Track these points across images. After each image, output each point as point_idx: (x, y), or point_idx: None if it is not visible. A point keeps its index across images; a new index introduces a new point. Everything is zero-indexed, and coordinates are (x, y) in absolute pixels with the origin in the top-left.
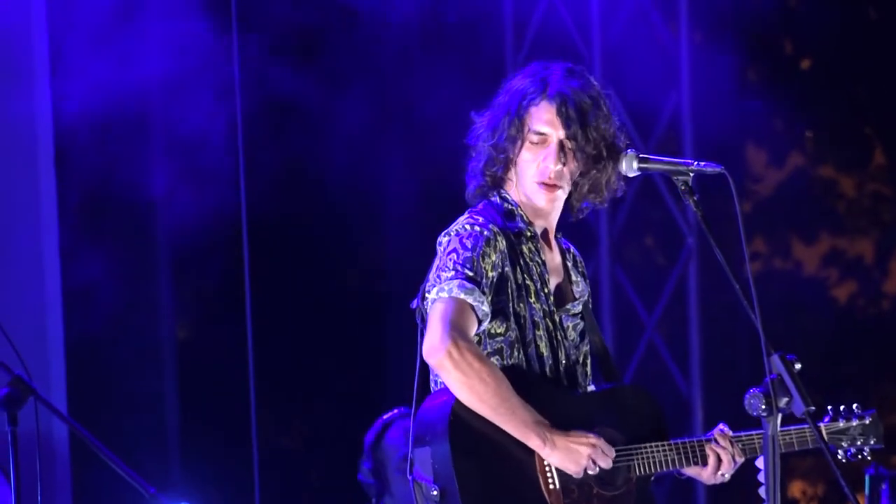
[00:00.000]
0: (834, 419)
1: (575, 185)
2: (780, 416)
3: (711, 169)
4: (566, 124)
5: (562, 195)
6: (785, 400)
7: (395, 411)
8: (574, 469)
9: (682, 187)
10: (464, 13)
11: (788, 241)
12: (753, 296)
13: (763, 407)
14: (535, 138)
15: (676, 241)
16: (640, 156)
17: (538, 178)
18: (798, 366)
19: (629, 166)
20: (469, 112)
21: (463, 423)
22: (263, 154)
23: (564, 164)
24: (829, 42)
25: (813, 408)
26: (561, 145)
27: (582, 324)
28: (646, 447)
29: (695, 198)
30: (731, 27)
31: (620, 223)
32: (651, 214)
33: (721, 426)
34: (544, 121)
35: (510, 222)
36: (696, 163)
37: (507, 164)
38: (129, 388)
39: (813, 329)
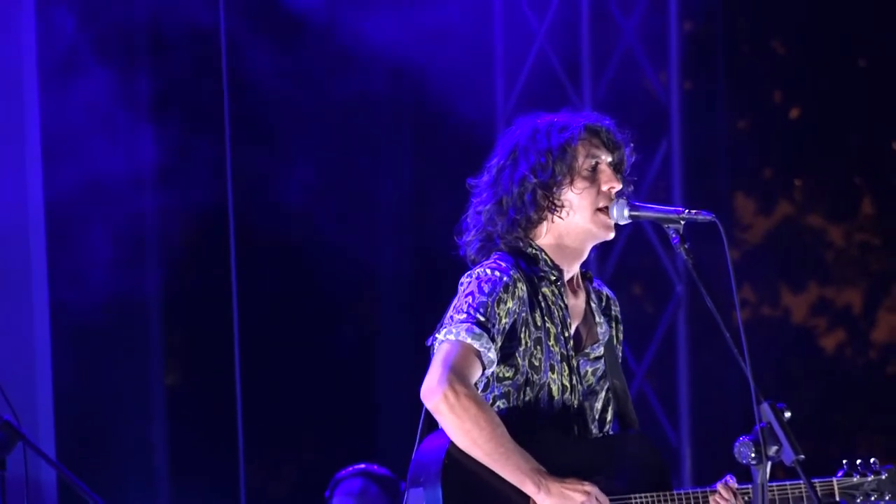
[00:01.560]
0: (848, 474)
1: None
2: (769, 464)
3: (703, 217)
4: (614, 148)
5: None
6: (774, 448)
7: (350, 468)
8: None
9: (674, 235)
10: (453, 61)
11: (777, 289)
12: (744, 344)
13: (752, 455)
14: (588, 165)
15: (665, 289)
16: (632, 203)
17: (603, 201)
18: (788, 414)
19: (620, 214)
20: (461, 166)
21: (457, 466)
22: (254, 205)
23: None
24: (818, 91)
25: (802, 456)
26: (613, 169)
27: (602, 367)
28: (645, 497)
29: (686, 246)
30: (722, 76)
31: (609, 271)
32: (639, 262)
33: (727, 477)
34: (599, 146)
35: (534, 266)
36: (687, 211)
37: (555, 200)
38: (118, 433)
39: (800, 377)
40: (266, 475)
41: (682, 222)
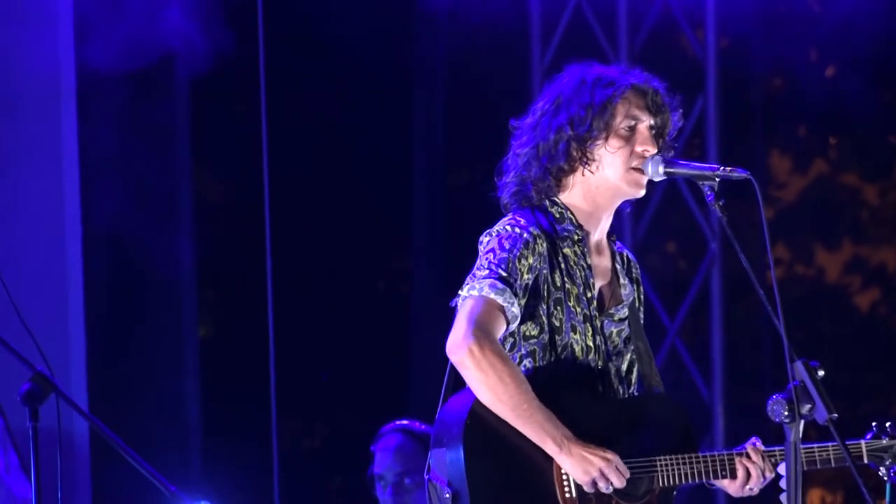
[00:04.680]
0: (877, 436)
1: None
2: (802, 422)
3: (738, 175)
4: (659, 111)
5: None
6: (808, 407)
7: (393, 424)
8: (584, 479)
9: (709, 192)
10: (489, 18)
11: (811, 247)
12: (778, 302)
13: (786, 413)
14: (627, 124)
15: (699, 247)
16: (667, 160)
17: (636, 161)
18: (821, 373)
19: (655, 171)
20: (496, 114)
21: (480, 426)
22: (289, 150)
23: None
24: (854, 49)
25: (836, 415)
26: (651, 132)
27: (627, 329)
28: (670, 459)
29: (720, 203)
30: (758, 33)
31: (643, 228)
32: (674, 220)
33: (754, 439)
34: (640, 107)
35: (558, 225)
36: (722, 168)
37: (588, 153)
38: (151, 386)
39: (834, 336)
40: (299, 429)
41: (717, 179)
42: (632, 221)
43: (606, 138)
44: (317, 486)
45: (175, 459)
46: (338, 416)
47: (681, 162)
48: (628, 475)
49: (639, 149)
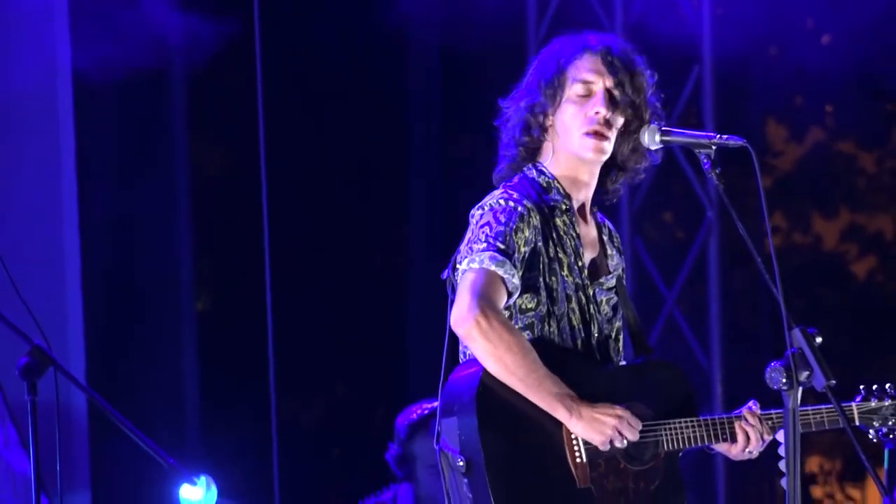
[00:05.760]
0: (866, 398)
1: (616, 148)
2: (800, 389)
3: (734, 142)
4: (612, 72)
5: (608, 148)
6: (805, 374)
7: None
8: (599, 440)
9: (706, 160)
10: None
11: (808, 215)
12: (776, 270)
13: (784, 381)
14: (580, 89)
15: (696, 215)
16: (662, 128)
17: (587, 126)
18: (819, 340)
19: (651, 139)
20: (490, 83)
21: (491, 394)
22: (285, 123)
23: (613, 112)
24: (849, 18)
25: (833, 381)
26: (608, 94)
27: (615, 298)
28: (674, 423)
29: (717, 171)
30: (753, 2)
31: (640, 197)
32: (671, 188)
33: (751, 403)
34: (589, 70)
35: (545, 195)
36: (718, 136)
37: (545, 124)
38: (149, 359)
39: (831, 303)
40: (298, 404)
41: (714, 147)
42: (629, 191)
43: (558, 105)
44: (315, 459)
45: (173, 433)
46: (336, 390)
47: (677, 130)
48: (640, 427)
49: (590, 112)
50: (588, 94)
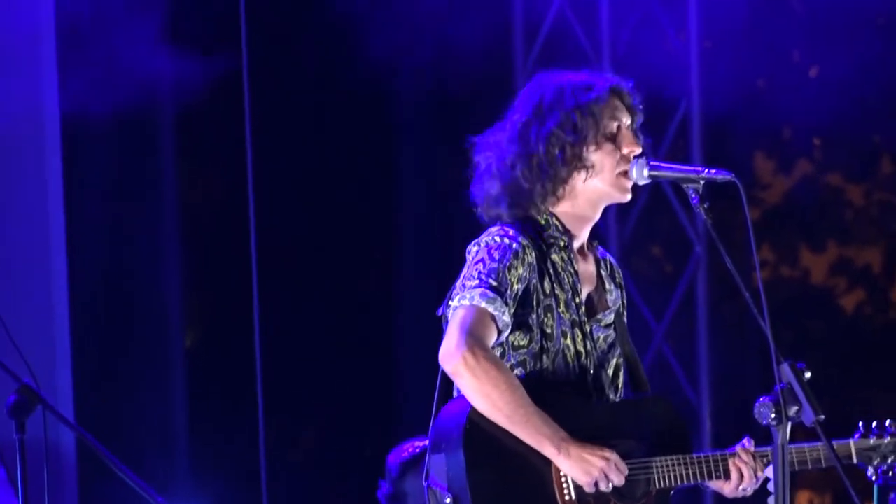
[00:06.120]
0: (864, 435)
1: None
2: (789, 425)
3: (722, 177)
4: (634, 111)
5: None
6: (795, 409)
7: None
8: (585, 480)
9: (694, 195)
10: (473, 21)
11: (796, 249)
12: (764, 304)
13: (773, 416)
14: (612, 128)
15: (684, 250)
16: (651, 163)
17: (623, 165)
18: (808, 374)
19: (640, 174)
20: (478, 115)
21: (479, 431)
22: (273, 158)
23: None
24: (837, 49)
25: (823, 417)
26: (633, 132)
27: (613, 334)
28: (666, 460)
29: (705, 205)
30: (741, 34)
31: (628, 232)
32: (659, 223)
33: (745, 440)
34: (619, 108)
35: (544, 232)
36: (706, 170)
37: (579, 163)
38: (137, 395)
39: (820, 337)
40: (286, 438)
41: (702, 182)
42: (617, 225)
43: (597, 142)
44: (305, 493)
45: (163, 468)
46: (325, 422)
47: (665, 165)
48: (626, 472)
49: (625, 150)
50: (617, 132)
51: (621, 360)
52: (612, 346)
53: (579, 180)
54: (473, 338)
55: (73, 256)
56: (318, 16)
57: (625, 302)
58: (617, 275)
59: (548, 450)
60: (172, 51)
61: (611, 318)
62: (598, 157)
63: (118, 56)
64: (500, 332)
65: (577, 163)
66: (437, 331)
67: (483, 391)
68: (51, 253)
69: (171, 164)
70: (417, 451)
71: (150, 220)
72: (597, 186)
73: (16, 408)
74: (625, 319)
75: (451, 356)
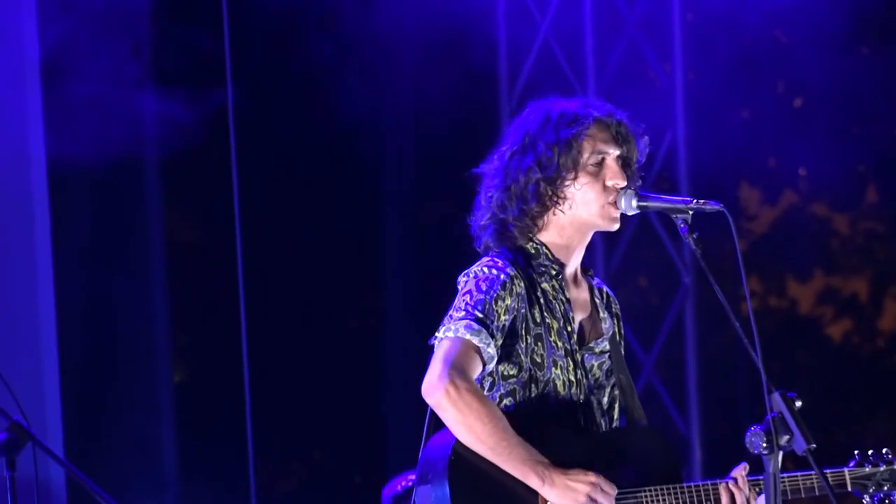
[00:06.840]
0: (859, 464)
1: None
2: (780, 454)
3: (711, 207)
4: (622, 142)
5: None
6: (786, 438)
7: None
8: None
9: (683, 226)
10: (457, 53)
11: (783, 279)
12: (755, 334)
13: (764, 445)
14: (595, 159)
15: (672, 280)
16: (640, 193)
17: (609, 196)
18: (799, 403)
19: (628, 204)
20: (463, 150)
21: (464, 462)
22: (259, 194)
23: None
24: (821, 80)
25: (814, 445)
26: (619, 163)
27: (608, 362)
28: (655, 489)
29: (694, 236)
30: (725, 66)
31: (616, 262)
32: (646, 253)
33: (742, 465)
34: (604, 140)
35: (534, 261)
36: (695, 201)
37: (560, 193)
38: (127, 432)
39: (808, 366)
40: (276, 472)
41: (691, 212)
42: (605, 256)
43: (575, 177)
44: None
45: None
46: (314, 457)
47: (654, 195)
48: (615, 492)
49: (609, 183)
50: (600, 165)
51: (617, 388)
52: (608, 373)
53: (559, 212)
54: (456, 370)
55: (62, 296)
56: (302, 61)
57: (621, 332)
58: (614, 305)
59: (532, 480)
60: (158, 92)
61: (605, 345)
62: (576, 191)
63: (104, 98)
64: (485, 364)
65: (554, 197)
66: (424, 363)
67: (466, 423)
68: (38, 293)
69: (157, 205)
70: (410, 484)
71: (138, 260)
72: (582, 217)
73: (6, 445)
74: (622, 350)
75: (434, 388)
